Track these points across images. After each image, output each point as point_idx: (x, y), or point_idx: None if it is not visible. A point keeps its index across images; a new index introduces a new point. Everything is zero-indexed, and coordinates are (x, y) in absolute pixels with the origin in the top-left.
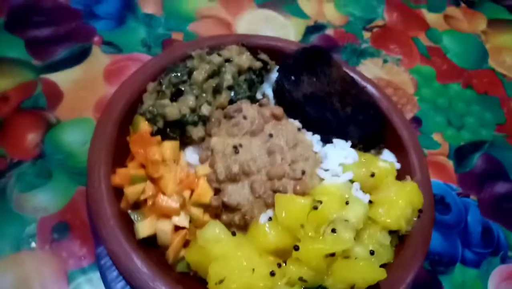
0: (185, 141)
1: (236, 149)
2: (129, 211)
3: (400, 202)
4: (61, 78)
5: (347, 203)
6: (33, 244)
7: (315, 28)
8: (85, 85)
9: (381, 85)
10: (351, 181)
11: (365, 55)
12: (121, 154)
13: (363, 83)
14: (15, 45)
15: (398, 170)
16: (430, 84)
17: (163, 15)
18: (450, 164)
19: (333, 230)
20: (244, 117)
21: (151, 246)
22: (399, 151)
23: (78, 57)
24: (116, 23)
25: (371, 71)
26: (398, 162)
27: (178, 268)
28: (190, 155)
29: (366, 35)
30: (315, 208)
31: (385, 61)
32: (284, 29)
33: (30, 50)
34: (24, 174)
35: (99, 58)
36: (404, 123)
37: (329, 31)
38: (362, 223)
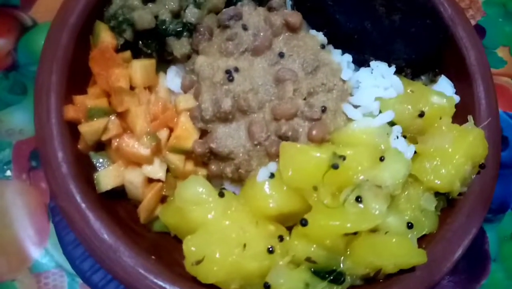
0: (166, 59)
1: (229, 74)
2: (91, 153)
3: (457, 158)
4: None
5: (381, 159)
6: (8, 172)
7: None
8: None
9: None
10: (391, 124)
11: None
12: (81, 75)
13: None
14: None
15: (457, 105)
16: None
17: None
18: None
19: (358, 199)
20: (244, 27)
21: (121, 197)
22: (461, 78)
23: None
24: None
25: None
26: (457, 93)
27: (155, 228)
28: (173, 78)
29: None
30: (335, 166)
31: None
32: None
33: None
34: None
35: None
36: (473, 40)
37: None
38: (400, 187)
